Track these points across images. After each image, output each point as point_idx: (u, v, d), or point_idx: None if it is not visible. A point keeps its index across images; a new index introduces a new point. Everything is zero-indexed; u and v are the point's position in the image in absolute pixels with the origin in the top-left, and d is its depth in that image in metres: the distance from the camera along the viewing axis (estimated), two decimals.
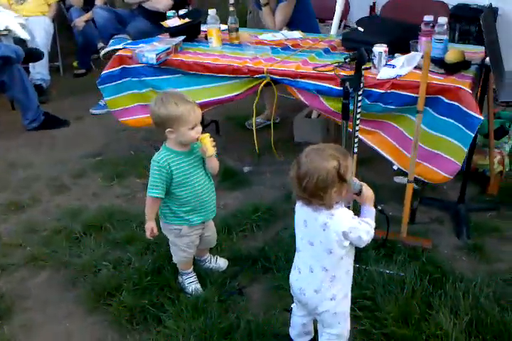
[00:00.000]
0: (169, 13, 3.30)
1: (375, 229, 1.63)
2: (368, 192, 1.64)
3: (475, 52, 2.53)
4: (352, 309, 2.03)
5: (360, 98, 2.20)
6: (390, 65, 2.25)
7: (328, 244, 1.59)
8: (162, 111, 1.85)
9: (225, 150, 3.55)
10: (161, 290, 2.26)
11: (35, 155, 3.68)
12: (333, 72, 2.43)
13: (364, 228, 1.58)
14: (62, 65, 5.29)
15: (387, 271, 2.23)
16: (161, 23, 3.15)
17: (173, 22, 3.06)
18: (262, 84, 2.64)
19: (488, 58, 2.15)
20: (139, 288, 2.26)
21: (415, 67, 2.32)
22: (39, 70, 4.64)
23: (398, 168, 2.55)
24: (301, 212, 1.65)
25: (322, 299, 1.68)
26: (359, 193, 1.64)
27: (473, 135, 2.17)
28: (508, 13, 3.66)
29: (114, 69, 3.04)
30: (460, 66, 2.29)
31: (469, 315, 1.98)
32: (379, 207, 1.74)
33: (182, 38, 2.96)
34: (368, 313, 2.07)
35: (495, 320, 1.95)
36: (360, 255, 2.32)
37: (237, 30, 3.06)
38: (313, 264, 1.66)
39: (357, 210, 1.70)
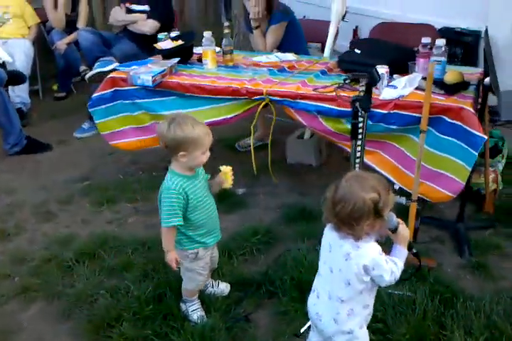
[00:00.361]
0: (160, 35, 3.29)
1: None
2: (404, 231, 1.57)
3: (471, 73, 2.59)
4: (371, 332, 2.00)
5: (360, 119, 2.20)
6: (391, 85, 2.28)
7: (348, 274, 1.53)
8: (178, 133, 1.78)
9: (217, 173, 3.50)
10: (163, 319, 2.16)
11: (18, 181, 3.55)
12: (334, 93, 2.44)
13: (389, 267, 1.51)
14: (42, 88, 5.19)
15: (396, 292, 2.20)
16: (154, 45, 3.13)
17: (165, 44, 3.05)
18: (260, 106, 2.63)
19: (487, 79, 2.19)
20: (140, 318, 2.16)
21: (416, 88, 2.35)
22: (19, 94, 4.52)
23: (399, 188, 2.55)
24: (329, 235, 1.59)
25: (338, 331, 1.60)
26: (395, 231, 1.56)
27: (477, 154, 2.19)
28: (494, 36, 3.78)
29: (105, 91, 2.98)
30: (460, 87, 2.33)
31: (484, 334, 1.95)
32: (414, 250, 1.66)
33: (176, 60, 2.95)
34: (380, 336, 2.02)
35: (509, 338, 1.92)
36: None
37: (231, 52, 3.07)
38: (332, 292, 1.59)
39: (388, 246, 1.63)
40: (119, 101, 3.01)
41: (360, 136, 2.05)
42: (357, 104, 1.96)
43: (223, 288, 2.32)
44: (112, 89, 2.98)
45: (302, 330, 2.09)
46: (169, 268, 2.33)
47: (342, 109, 2.44)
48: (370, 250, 1.50)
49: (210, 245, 2.06)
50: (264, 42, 3.53)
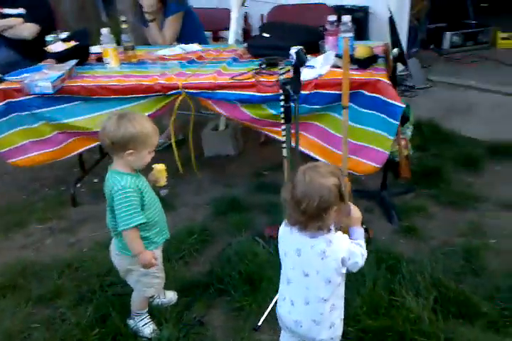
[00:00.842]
0: (48, 37, 3.01)
1: None
2: (357, 212, 1.56)
3: (376, 46, 2.67)
4: None
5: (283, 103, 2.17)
6: (309, 66, 2.26)
7: (327, 273, 1.49)
8: (130, 129, 1.67)
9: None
10: None
11: None
12: (253, 80, 2.39)
13: (359, 252, 1.51)
14: None
15: None
16: (44, 48, 2.85)
17: (57, 47, 2.79)
18: (178, 101, 2.50)
19: (395, 50, 2.26)
20: None
21: (331, 66, 2.37)
22: None
23: None
24: (294, 239, 1.51)
25: (321, 329, 1.57)
26: (348, 213, 1.54)
27: (398, 123, 2.27)
28: (377, 11, 3.97)
29: None
30: (371, 60, 2.39)
31: (432, 293, 2.04)
32: (364, 226, 1.65)
33: (74, 62, 2.70)
34: None
35: (456, 292, 2.03)
36: None
37: (133, 48, 2.88)
38: (310, 296, 1.53)
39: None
40: (14, 114, 2.70)
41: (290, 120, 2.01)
42: (288, 87, 1.91)
43: (171, 296, 2.19)
44: (4, 102, 2.66)
45: (260, 323, 2.05)
46: (111, 289, 2.21)
47: (263, 94, 2.40)
48: (342, 242, 1.48)
49: (161, 243, 1.95)
50: (162, 35, 3.38)
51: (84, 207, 3.12)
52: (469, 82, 4.24)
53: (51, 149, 2.84)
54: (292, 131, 2.41)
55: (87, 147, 2.90)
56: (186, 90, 2.49)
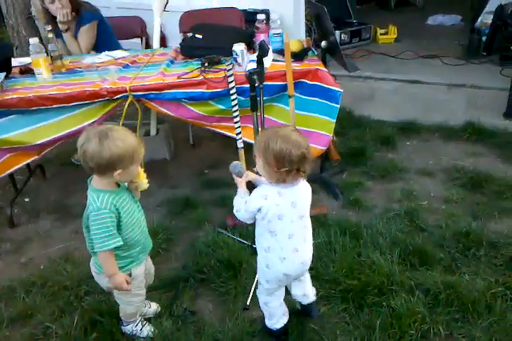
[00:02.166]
0: None
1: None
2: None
3: (302, 40, 2.92)
4: None
5: (234, 96, 2.31)
6: (252, 60, 2.42)
7: (309, 203, 1.75)
8: (114, 150, 1.56)
9: (66, 193, 3.24)
10: None
11: None
12: (199, 78, 2.49)
13: None
14: None
15: None
16: None
17: None
18: (126, 105, 2.51)
19: (324, 43, 2.52)
20: None
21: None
22: None
23: None
24: (287, 196, 1.67)
25: (311, 255, 1.84)
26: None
27: (338, 106, 2.53)
28: (276, 12, 4.25)
29: None
30: (304, 53, 2.62)
31: (394, 249, 2.32)
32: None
33: (2, 74, 2.58)
34: (316, 281, 2.22)
35: (413, 246, 2.34)
36: None
37: (61, 57, 2.82)
38: (306, 233, 1.78)
39: None
40: None
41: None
42: (254, 77, 2.05)
43: (155, 307, 2.15)
44: None
45: (248, 302, 2.17)
46: (91, 296, 2.18)
47: (212, 90, 2.50)
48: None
49: (142, 260, 1.88)
50: (77, 44, 3.33)
51: (22, 227, 2.97)
52: (365, 73, 4.72)
53: None
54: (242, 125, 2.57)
55: (23, 163, 2.81)
56: (133, 93, 2.52)
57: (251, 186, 1.81)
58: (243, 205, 1.73)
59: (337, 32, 5.46)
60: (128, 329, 2.03)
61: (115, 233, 1.66)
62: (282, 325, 1.96)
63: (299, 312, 2.07)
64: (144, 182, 1.81)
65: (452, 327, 1.96)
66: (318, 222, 2.62)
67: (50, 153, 3.10)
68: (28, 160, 2.79)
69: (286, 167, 1.57)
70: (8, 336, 2.10)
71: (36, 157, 2.77)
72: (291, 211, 1.69)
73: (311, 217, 2.60)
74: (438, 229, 2.52)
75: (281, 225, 1.70)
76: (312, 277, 2.22)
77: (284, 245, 1.74)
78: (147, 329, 2.03)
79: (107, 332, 2.03)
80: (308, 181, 3.00)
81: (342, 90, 2.50)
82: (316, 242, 2.42)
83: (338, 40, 5.55)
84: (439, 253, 2.33)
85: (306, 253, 1.80)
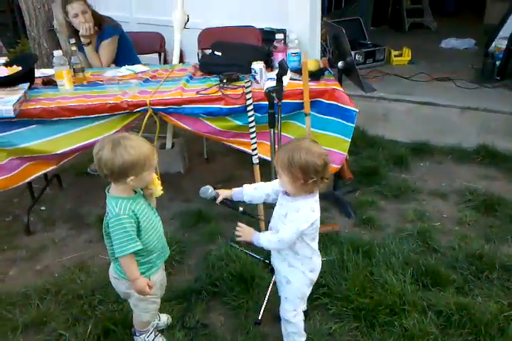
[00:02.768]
0: None
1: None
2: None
3: (318, 60, 2.98)
4: (315, 298, 2.21)
5: (251, 113, 2.36)
6: (270, 78, 2.48)
7: None
8: (126, 157, 1.61)
9: (81, 202, 3.29)
10: None
11: None
12: (218, 94, 2.55)
13: None
14: None
15: (324, 259, 2.42)
16: None
17: (1, 71, 2.71)
18: (146, 117, 2.57)
19: (341, 63, 2.58)
20: None
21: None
22: None
23: None
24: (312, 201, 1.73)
25: None
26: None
27: (354, 125, 2.57)
28: (292, 32, 4.33)
29: None
30: (321, 73, 2.68)
31: (407, 270, 2.33)
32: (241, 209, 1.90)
33: (26, 85, 2.65)
34: (328, 298, 2.24)
35: (426, 266, 2.34)
36: None
37: (83, 70, 2.89)
38: None
39: None
40: None
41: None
42: (273, 94, 2.10)
43: (165, 319, 2.17)
44: None
45: (260, 317, 2.18)
46: (105, 306, 2.19)
47: (230, 107, 2.56)
48: None
49: (159, 266, 1.92)
50: (98, 58, 3.41)
51: (38, 235, 3.01)
52: (379, 93, 4.77)
53: (4, 176, 2.72)
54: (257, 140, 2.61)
55: (42, 172, 2.86)
56: (153, 107, 2.58)
57: (231, 205, 1.87)
58: (287, 233, 1.69)
59: (352, 53, 5.54)
60: (140, 339, 2.04)
61: (135, 237, 1.71)
62: None
63: None
64: (158, 188, 1.85)
65: None
66: (331, 239, 2.64)
67: (67, 163, 3.15)
68: (47, 170, 2.84)
69: (313, 178, 1.62)
70: None
71: (54, 166, 2.82)
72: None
73: (323, 233, 2.64)
74: (451, 251, 2.53)
75: (315, 234, 1.79)
76: (324, 294, 2.26)
77: (316, 246, 1.84)
78: (159, 339, 2.04)
79: (121, 339, 2.04)
80: (321, 198, 3.05)
81: (358, 110, 2.55)
82: (328, 259, 2.44)
83: None
84: (452, 274, 2.33)
85: None
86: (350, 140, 2.64)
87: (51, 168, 2.84)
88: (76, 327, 2.14)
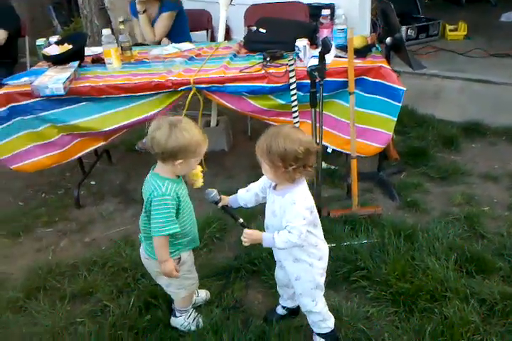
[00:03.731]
0: (39, 42, 3.00)
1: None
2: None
3: (365, 37, 2.88)
4: (354, 281, 2.18)
5: (294, 92, 2.32)
6: (314, 56, 2.42)
7: None
8: (181, 140, 1.63)
9: (129, 178, 3.38)
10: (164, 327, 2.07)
11: None
12: (261, 72, 2.52)
13: None
14: None
15: (364, 242, 2.41)
16: (42, 52, 2.84)
17: (53, 50, 2.78)
18: (190, 95, 2.59)
19: (389, 39, 2.48)
20: (138, 332, 2.04)
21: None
22: None
23: (333, 150, 2.75)
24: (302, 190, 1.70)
25: None
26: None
27: (400, 104, 2.48)
28: (343, 7, 4.18)
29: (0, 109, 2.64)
30: (367, 49, 2.59)
31: (450, 255, 2.26)
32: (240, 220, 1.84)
33: (76, 63, 2.72)
34: (367, 281, 2.22)
35: (471, 253, 2.27)
36: (332, 235, 2.47)
37: (131, 48, 2.93)
38: None
39: None
40: (17, 119, 2.68)
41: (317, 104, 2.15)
42: (315, 73, 2.06)
43: (203, 295, 2.22)
44: (7, 106, 2.64)
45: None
46: (147, 279, 2.26)
47: (273, 85, 2.53)
48: None
49: (191, 247, 1.96)
50: (151, 30, 3.44)
51: (87, 208, 3.13)
52: (431, 70, 4.57)
53: (56, 152, 2.85)
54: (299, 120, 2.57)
55: (92, 148, 2.94)
56: (197, 85, 2.58)
57: (231, 212, 1.86)
58: (297, 226, 1.64)
59: (403, 27, 5.30)
60: (179, 322, 2.07)
61: (175, 219, 1.74)
62: None
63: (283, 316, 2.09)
64: (199, 180, 1.91)
65: (507, 339, 1.90)
66: (372, 221, 2.59)
67: (116, 139, 3.23)
68: (96, 146, 2.93)
69: (292, 165, 1.58)
70: (69, 311, 2.23)
71: (103, 143, 2.90)
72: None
73: (364, 217, 2.60)
74: (499, 237, 2.43)
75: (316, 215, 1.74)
76: (362, 277, 2.23)
77: (320, 233, 1.80)
78: (199, 321, 2.07)
79: (160, 315, 2.11)
80: (364, 179, 3.02)
81: (405, 88, 2.45)
82: (369, 242, 2.41)
83: (404, 36, 5.39)
84: (499, 262, 2.25)
85: None
86: (396, 119, 2.55)
87: (100, 144, 2.92)
88: (120, 299, 2.23)
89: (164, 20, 3.39)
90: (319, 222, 1.79)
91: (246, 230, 1.74)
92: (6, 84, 2.70)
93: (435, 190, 2.95)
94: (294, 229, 1.64)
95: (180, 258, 1.91)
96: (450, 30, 5.63)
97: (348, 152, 2.65)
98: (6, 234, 2.90)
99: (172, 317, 2.10)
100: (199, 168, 1.89)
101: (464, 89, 4.28)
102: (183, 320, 2.07)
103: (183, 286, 2.00)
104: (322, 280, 1.86)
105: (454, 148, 3.39)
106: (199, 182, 1.91)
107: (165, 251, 1.79)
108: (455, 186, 2.96)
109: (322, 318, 1.90)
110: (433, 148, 3.37)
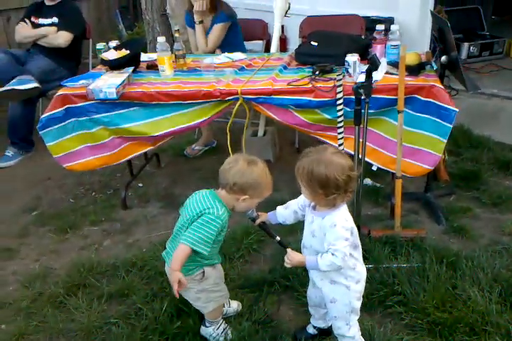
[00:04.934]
0: (99, 46, 3.12)
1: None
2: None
3: (420, 54, 2.81)
4: (389, 306, 2.12)
5: (340, 107, 2.29)
6: (364, 72, 2.38)
7: None
8: (255, 176, 1.73)
9: (175, 182, 3.44)
10: (193, 335, 2.08)
11: None
12: (308, 86, 2.51)
13: None
14: None
15: (403, 265, 2.33)
16: (100, 56, 2.96)
17: (110, 54, 2.90)
18: (236, 106, 2.62)
19: (444, 57, 2.40)
20: (168, 338, 2.06)
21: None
22: None
23: (378, 168, 2.69)
24: (342, 213, 1.68)
25: None
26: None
27: (451, 126, 2.40)
28: (402, 22, 4.10)
29: (56, 110, 2.76)
30: (420, 67, 2.52)
31: (494, 287, 2.15)
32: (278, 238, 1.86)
33: (131, 69, 2.81)
34: (403, 307, 2.14)
35: None
36: (370, 255, 2.41)
37: (184, 56, 3.00)
38: None
39: None
40: (73, 119, 2.81)
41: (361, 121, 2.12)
42: (361, 91, 2.03)
43: (235, 306, 2.22)
44: (64, 107, 2.77)
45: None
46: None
47: (319, 99, 2.52)
48: None
49: (215, 263, 2.00)
50: (205, 39, 3.51)
51: (133, 210, 3.21)
52: (491, 90, 4.40)
53: (107, 154, 2.94)
54: (345, 136, 2.54)
55: (140, 152, 3.02)
56: (244, 96, 2.61)
57: (268, 230, 1.90)
58: (340, 248, 1.61)
59: (465, 44, 5.14)
60: (209, 332, 2.07)
61: (211, 243, 1.77)
62: None
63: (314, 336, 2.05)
64: None
65: None
66: (414, 244, 2.51)
67: (165, 143, 3.32)
68: (144, 150, 3.02)
69: (334, 193, 1.55)
70: (105, 310, 2.29)
71: (151, 147, 2.98)
72: None
73: (406, 239, 2.52)
74: None
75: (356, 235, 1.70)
76: (399, 302, 2.16)
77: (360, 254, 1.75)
78: (228, 333, 2.07)
79: (191, 322, 2.13)
80: (410, 199, 2.93)
81: (458, 110, 2.36)
82: (409, 266, 2.33)
83: (466, 53, 5.22)
84: None
85: None
86: (446, 141, 2.47)
87: (148, 148, 3.01)
88: (154, 303, 2.26)
89: (217, 31, 3.45)
90: (359, 243, 1.75)
91: (290, 252, 1.72)
92: (65, 86, 2.83)
93: (485, 216, 2.82)
94: (337, 251, 1.61)
95: (204, 273, 1.93)
96: None
97: (393, 171, 2.58)
98: (55, 229, 3.02)
99: (202, 327, 2.11)
100: None
101: None
102: (213, 331, 2.07)
103: (211, 299, 2.00)
104: (358, 304, 1.81)
105: (510, 173, 3.23)
106: None
107: (181, 260, 1.78)
108: (507, 214, 2.82)
109: None
110: (487, 171, 3.22)
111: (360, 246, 1.77)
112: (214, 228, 1.75)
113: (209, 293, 1.98)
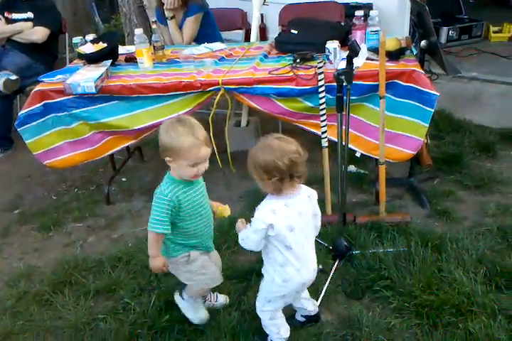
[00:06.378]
0: (75, 39, 3.06)
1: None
2: None
3: (400, 39, 2.80)
4: (377, 290, 2.13)
5: (322, 95, 2.28)
6: (344, 58, 2.37)
7: (312, 209, 1.75)
8: (164, 139, 1.67)
9: (159, 176, 3.40)
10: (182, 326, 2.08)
11: None
12: (290, 74, 2.49)
13: None
14: None
15: (389, 250, 2.35)
16: (77, 49, 2.90)
17: (88, 48, 2.84)
18: (218, 96, 2.59)
19: (423, 42, 2.40)
20: (158, 331, 2.06)
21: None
22: None
23: (361, 154, 2.69)
24: (293, 207, 1.66)
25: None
26: None
27: (433, 110, 2.40)
28: (382, 8, 4.09)
29: (34, 106, 2.71)
30: (400, 52, 2.52)
31: (479, 268, 2.18)
32: None
33: (109, 62, 2.76)
34: (391, 291, 2.16)
35: (502, 267, 2.17)
36: (356, 241, 2.43)
37: (163, 47, 2.96)
38: (313, 240, 1.81)
39: None
40: (51, 115, 2.75)
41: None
42: (342, 77, 2.02)
43: (222, 300, 2.21)
44: (42, 103, 2.71)
45: (318, 303, 2.15)
46: (169, 278, 2.27)
47: (301, 87, 2.50)
48: None
49: (201, 250, 1.95)
50: (180, 34, 3.46)
51: (117, 205, 3.18)
52: (471, 73, 4.42)
53: (87, 149, 2.90)
54: (328, 123, 2.53)
55: (122, 146, 2.97)
56: (225, 86, 2.58)
57: None
58: (249, 231, 1.69)
59: (445, 28, 5.16)
60: (183, 302, 2.08)
61: (167, 221, 1.74)
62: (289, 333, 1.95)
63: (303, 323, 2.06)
64: (224, 215, 2.00)
65: None
66: (400, 229, 2.52)
67: (148, 136, 3.28)
68: (126, 144, 2.97)
69: (276, 176, 1.57)
70: (92, 306, 2.28)
71: (133, 141, 2.94)
72: (300, 221, 1.68)
73: (392, 224, 2.54)
74: None
75: (294, 237, 1.68)
76: (386, 286, 2.18)
77: (299, 255, 1.72)
78: (203, 314, 2.08)
79: (179, 315, 2.12)
80: (394, 185, 2.94)
81: (438, 94, 2.37)
82: (394, 251, 2.35)
83: (446, 37, 5.24)
84: None
85: (314, 259, 1.82)
86: (428, 125, 2.47)
87: (130, 142, 2.96)
88: (141, 297, 2.25)
89: (191, 24, 3.41)
90: (296, 247, 1.70)
91: (238, 221, 1.84)
92: (42, 82, 2.77)
93: (468, 198, 2.85)
94: (246, 230, 1.72)
95: (189, 256, 1.91)
96: (494, 32, 5.43)
97: (376, 157, 2.59)
98: (38, 227, 2.98)
99: (177, 294, 2.12)
100: (227, 208, 2.00)
101: (505, 94, 4.11)
102: (187, 303, 2.08)
103: (197, 282, 1.98)
104: (278, 302, 1.85)
105: (491, 155, 3.26)
106: (221, 214, 2.00)
107: (155, 247, 1.80)
108: (490, 195, 2.85)
109: (265, 324, 1.93)
110: (469, 154, 3.25)
111: (298, 252, 1.72)
112: (162, 205, 1.71)
113: (196, 276, 1.96)
